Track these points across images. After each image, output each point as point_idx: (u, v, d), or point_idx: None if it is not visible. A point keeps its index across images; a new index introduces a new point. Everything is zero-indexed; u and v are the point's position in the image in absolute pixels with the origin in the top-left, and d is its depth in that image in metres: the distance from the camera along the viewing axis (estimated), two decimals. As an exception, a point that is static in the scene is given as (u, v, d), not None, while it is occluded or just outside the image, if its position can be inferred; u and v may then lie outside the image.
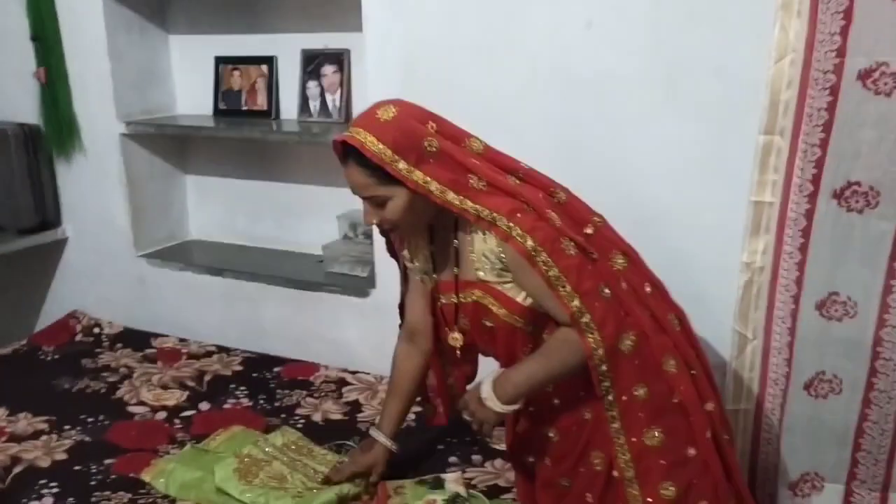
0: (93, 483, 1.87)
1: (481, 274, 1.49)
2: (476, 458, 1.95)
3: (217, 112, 2.78)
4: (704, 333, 1.63)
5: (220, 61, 2.75)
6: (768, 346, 1.91)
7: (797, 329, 1.85)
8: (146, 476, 1.88)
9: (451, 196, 1.43)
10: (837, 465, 1.91)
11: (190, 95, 2.86)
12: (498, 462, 1.93)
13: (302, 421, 2.17)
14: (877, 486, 1.89)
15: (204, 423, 2.17)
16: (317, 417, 2.19)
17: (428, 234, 1.60)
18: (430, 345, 1.72)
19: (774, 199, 1.81)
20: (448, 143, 1.46)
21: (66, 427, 2.14)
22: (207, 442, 2.01)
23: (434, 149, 1.44)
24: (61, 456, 2.00)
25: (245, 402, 2.29)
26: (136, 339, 2.73)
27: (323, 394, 2.32)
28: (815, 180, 1.75)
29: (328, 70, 2.57)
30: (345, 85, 2.56)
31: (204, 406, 2.27)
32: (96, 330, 2.80)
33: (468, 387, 1.64)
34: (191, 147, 2.92)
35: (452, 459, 1.95)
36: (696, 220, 1.93)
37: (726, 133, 1.89)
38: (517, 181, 1.50)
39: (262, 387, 2.38)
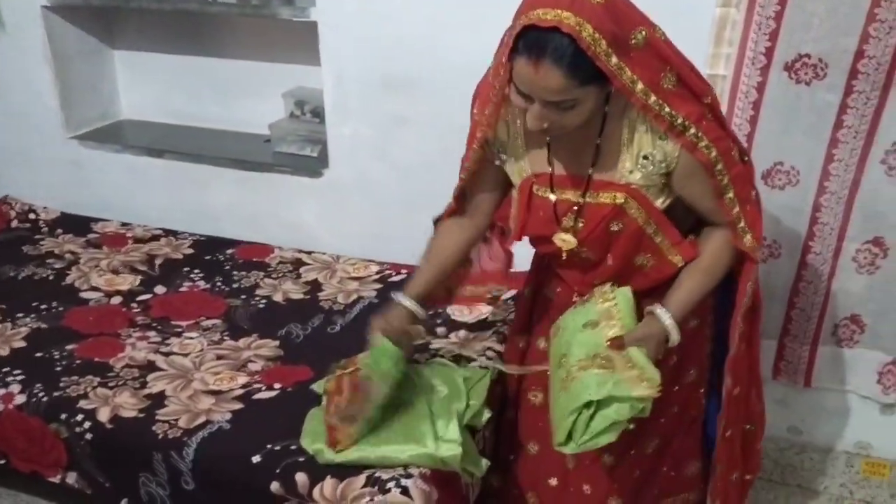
0: (58, 369, 1.87)
1: (634, 176, 1.39)
2: (440, 329, 2.02)
3: (145, -18, 2.60)
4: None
5: (146, -75, 2.55)
6: (714, 216, 2.00)
7: (743, 198, 1.95)
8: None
9: (652, 100, 1.28)
10: (773, 322, 2.06)
11: (114, -37, 2.66)
12: (462, 332, 2.00)
13: (263, 301, 2.18)
14: (807, 341, 2.06)
15: (162, 306, 2.17)
16: (277, 297, 2.21)
17: None
18: (485, 224, 1.64)
19: (727, 73, 1.86)
20: (650, 30, 1.29)
21: (20, 315, 2.10)
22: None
23: (639, 40, 1.26)
24: (20, 344, 1.97)
25: (202, 284, 2.29)
26: (75, 225, 2.65)
27: (281, 274, 2.33)
28: (768, 53, 1.80)
29: (266, -65, 2.43)
30: (287, -50, 2.42)
31: (160, 290, 2.26)
32: (32, 216, 2.70)
33: (626, 336, 1.43)
34: (119, 20, 2.75)
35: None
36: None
37: (682, 4, 1.89)
38: (696, 77, 1.38)
39: (217, 269, 2.37)
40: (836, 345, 2.04)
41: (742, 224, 1.41)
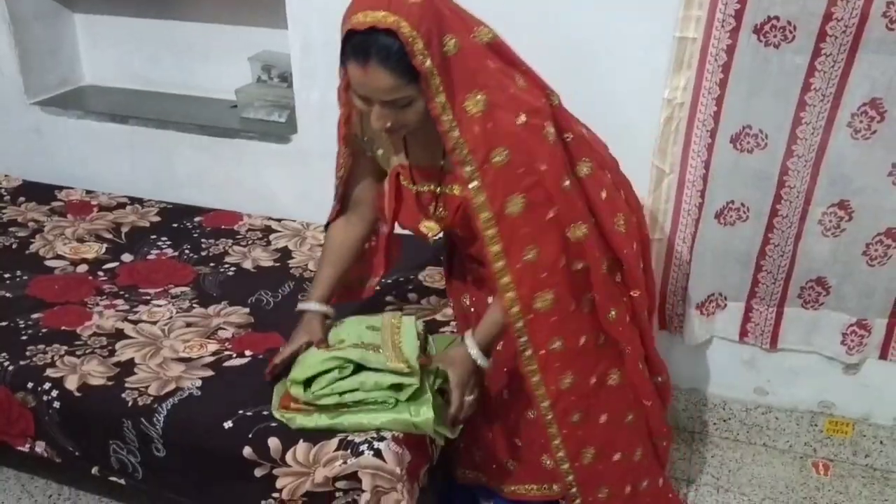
0: (24, 338, 1.83)
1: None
2: (412, 295, 2.02)
3: (105, -58, 2.53)
4: (627, 168, 1.69)
5: None
6: (683, 180, 2.02)
7: (712, 162, 1.96)
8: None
9: (446, 117, 1.31)
10: (740, 285, 2.09)
11: (72, -78, 2.59)
12: (433, 298, 2.00)
13: (233, 269, 2.16)
14: (773, 303, 2.09)
15: (129, 274, 2.13)
16: (247, 265, 2.19)
17: None
18: (373, 216, 1.69)
19: (697, 35, 1.86)
20: (465, 38, 1.31)
21: (-18, 284, 2.06)
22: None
23: (450, 48, 1.28)
24: (-17, 312, 1.94)
25: (169, 252, 2.25)
26: (39, 192, 2.59)
27: (250, 241, 2.31)
28: (738, 15, 1.80)
29: None
30: (250, -89, 2.37)
31: (126, 258, 2.22)
32: (-8, 184, 2.64)
33: (435, 357, 1.61)
34: (78, -18, 2.68)
35: (389, 299, 2.01)
36: (622, 55, 1.95)
37: (653, -32, 1.89)
38: (522, 84, 1.40)
39: (186, 236, 2.34)
40: (801, 306, 2.08)
41: (505, 279, 1.41)
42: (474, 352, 1.54)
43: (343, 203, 1.71)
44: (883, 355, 2.08)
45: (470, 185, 1.36)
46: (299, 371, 1.56)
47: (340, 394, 1.52)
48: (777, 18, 1.79)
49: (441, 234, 1.63)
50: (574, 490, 1.68)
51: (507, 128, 1.35)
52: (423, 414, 1.51)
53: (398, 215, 1.61)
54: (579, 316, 1.52)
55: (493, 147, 1.34)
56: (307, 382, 1.55)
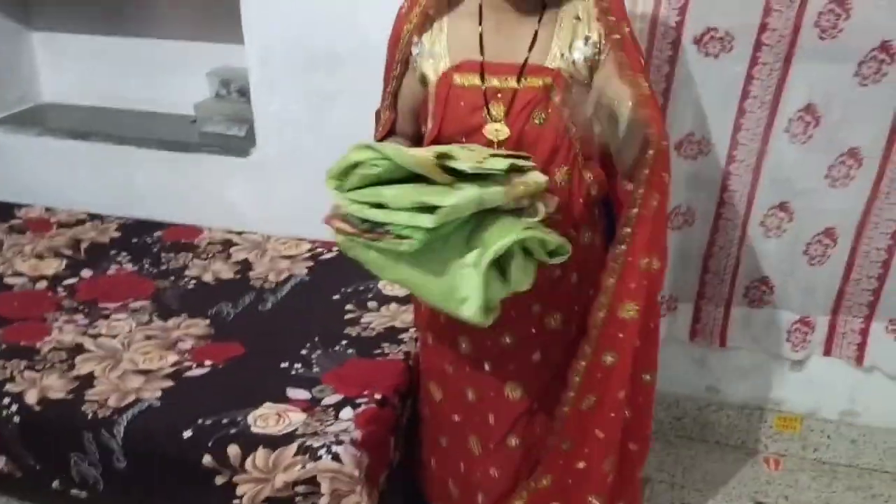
0: (-18, 354, 1.84)
1: (564, 62, 1.38)
2: (372, 304, 2.06)
3: (61, -39, 2.55)
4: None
5: None
6: (633, 186, 2.08)
7: (658, 168, 2.03)
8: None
9: None
10: (689, 286, 2.16)
11: (28, -59, 2.60)
12: (393, 306, 2.04)
13: (193, 282, 2.18)
14: (721, 303, 2.16)
15: (89, 289, 2.15)
16: (207, 278, 2.21)
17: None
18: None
19: (641, 47, 1.93)
20: None
21: (-61, 302, 2.06)
22: None
23: None
24: (-60, 331, 1.94)
25: (129, 266, 2.27)
26: (-3, 211, 2.60)
27: (210, 255, 2.33)
28: (678, 27, 1.87)
29: (185, -87, 2.41)
30: (206, -71, 2.40)
31: (86, 273, 2.23)
32: (-50, 203, 2.64)
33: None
34: (35, 1, 2.68)
35: (349, 307, 2.04)
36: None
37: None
38: None
39: (145, 251, 2.35)
40: (748, 306, 2.15)
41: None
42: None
43: (391, 125, 1.57)
44: (827, 351, 2.16)
45: (614, 36, 1.35)
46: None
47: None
48: (716, 29, 1.86)
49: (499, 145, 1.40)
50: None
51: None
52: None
53: (447, 119, 1.43)
54: None
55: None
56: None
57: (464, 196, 1.20)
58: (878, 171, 1.93)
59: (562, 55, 1.39)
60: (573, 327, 1.56)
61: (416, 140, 1.55)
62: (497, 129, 1.40)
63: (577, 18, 1.40)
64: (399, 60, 1.49)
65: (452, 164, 1.23)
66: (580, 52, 1.39)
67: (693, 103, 1.94)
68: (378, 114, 1.62)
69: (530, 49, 1.39)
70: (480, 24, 1.41)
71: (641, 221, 1.38)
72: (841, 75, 1.86)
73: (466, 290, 1.24)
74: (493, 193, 1.24)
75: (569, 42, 1.39)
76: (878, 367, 2.14)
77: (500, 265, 1.25)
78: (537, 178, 1.31)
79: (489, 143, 1.40)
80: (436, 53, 1.44)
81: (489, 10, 1.41)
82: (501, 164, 1.26)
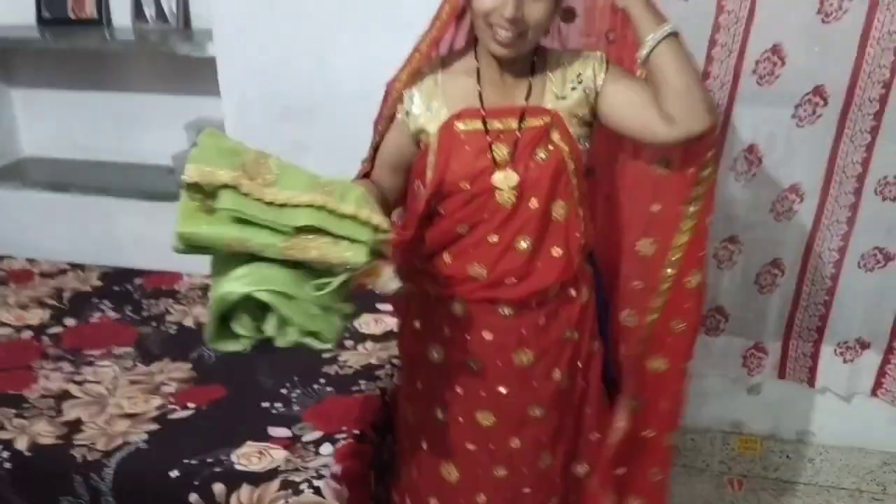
0: (-29, 403, 1.90)
1: (560, 103, 1.44)
2: (348, 342, 2.15)
3: (41, 21, 2.64)
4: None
5: (40, -33, 2.60)
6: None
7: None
8: None
9: None
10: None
11: (8, 2, 2.69)
12: (369, 344, 2.13)
13: (175, 327, 2.26)
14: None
15: (73, 337, 2.21)
16: (188, 322, 2.29)
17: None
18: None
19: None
20: None
21: (-75, 355, 2.12)
22: None
23: None
24: (-73, 382, 1.99)
25: (112, 314, 2.34)
26: (-21, 263, 2.66)
27: (191, 300, 2.41)
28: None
29: (161, -25, 2.52)
30: (180, -10, 2.52)
31: (70, 322, 2.30)
32: (-68, 256, 2.69)
33: None
34: (15, 59, 2.77)
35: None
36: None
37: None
38: None
39: (127, 299, 2.42)
40: (706, 334, 2.27)
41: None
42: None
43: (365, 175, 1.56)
44: (781, 375, 2.28)
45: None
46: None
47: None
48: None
49: (509, 194, 1.43)
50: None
51: None
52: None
53: (452, 165, 1.43)
54: None
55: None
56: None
57: (217, 231, 1.15)
58: (818, 204, 2.08)
59: (557, 97, 1.45)
60: (578, 381, 1.61)
61: (399, 193, 1.56)
62: (506, 176, 1.43)
63: (567, 64, 1.46)
64: (385, 116, 1.52)
65: (243, 209, 1.14)
66: (575, 91, 1.44)
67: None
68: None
69: (527, 98, 1.45)
70: (478, 82, 1.45)
71: (710, 183, 1.53)
72: (779, 117, 2.01)
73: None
74: (265, 243, 1.15)
75: (562, 84, 1.45)
76: (830, 389, 2.27)
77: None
78: (344, 254, 1.17)
79: (497, 190, 1.43)
80: (433, 108, 1.46)
81: (485, 68, 1.45)
82: (302, 219, 1.16)
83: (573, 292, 1.55)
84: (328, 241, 1.18)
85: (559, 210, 1.47)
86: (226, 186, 1.16)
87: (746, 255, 2.15)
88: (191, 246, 1.18)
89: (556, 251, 1.48)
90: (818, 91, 1.97)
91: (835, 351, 2.22)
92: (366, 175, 1.57)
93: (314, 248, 1.17)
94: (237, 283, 1.17)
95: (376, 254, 1.21)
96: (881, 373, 2.21)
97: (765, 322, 2.22)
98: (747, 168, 2.07)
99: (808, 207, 2.09)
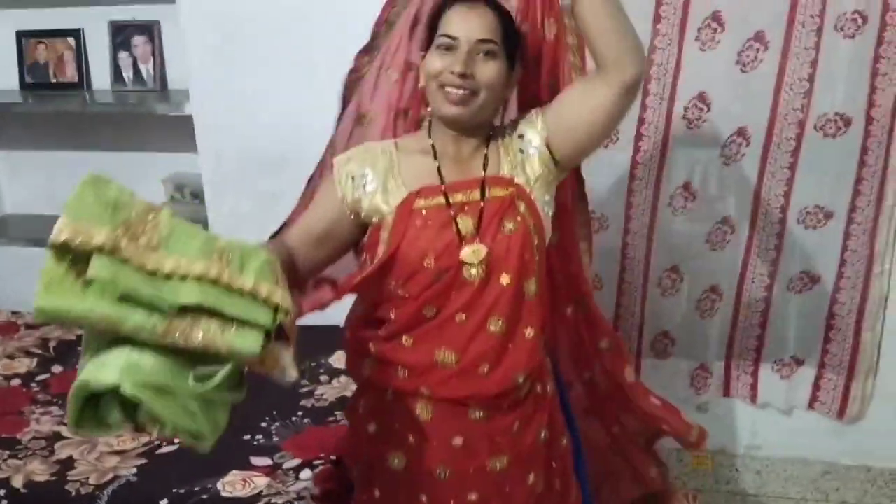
0: (-34, 448, 2.01)
1: (519, 177, 1.41)
2: (324, 377, 2.28)
3: (24, 86, 2.80)
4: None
5: (23, 35, 2.77)
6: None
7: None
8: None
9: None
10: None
11: (-8, 70, 2.85)
12: (343, 378, 2.28)
13: (158, 369, 2.38)
14: (633, 357, 2.45)
15: (61, 383, 2.32)
16: (171, 364, 2.41)
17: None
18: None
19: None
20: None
21: (-82, 406, 2.21)
22: None
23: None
24: (-77, 431, 2.09)
25: (97, 360, 2.45)
26: (-35, 317, 2.76)
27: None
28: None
29: (139, 41, 2.69)
30: (157, 55, 2.70)
31: (56, 369, 2.41)
32: (-82, 312, 2.79)
33: None
34: (-1, 122, 2.93)
35: (303, 381, 2.27)
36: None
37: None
38: None
39: (111, 345, 2.54)
40: (655, 357, 2.45)
41: None
42: None
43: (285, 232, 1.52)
44: (725, 393, 2.46)
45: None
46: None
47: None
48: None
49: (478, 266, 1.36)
50: None
51: None
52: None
53: (412, 242, 1.36)
54: None
55: None
56: None
57: (85, 308, 1.00)
58: (748, 234, 2.28)
59: (514, 167, 1.42)
60: (556, 482, 1.55)
61: (316, 267, 1.50)
62: (475, 251, 1.35)
63: (512, 132, 1.45)
64: (324, 186, 1.50)
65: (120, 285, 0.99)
66: (530, 153, 1.42)
67: (588, 187, 2.26)
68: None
69: (485, 169, 1.41)
70: (435, 158, 1.42)
71: None
72: (709, 157, 2.22)
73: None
74: (140, 326, 1.00)
75: (516, 153, 1.42)
76: (770, 404, 2.45)
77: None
78: (234, 342, 1.04)
79: (465, 266, 1.35)
80: (390, 188, 1.40)
81: (441, 145, 1.43)
82: (188, 296, 1.02)
83: (539, 388, 1.48)
84: (217, 325, 1.04)
85: (531, 287, 1.40)
86: (101, 249, 1.00)
87: (688, 284, 2.35)
88: (55, 320, 1.02)
89: (529, 332, 1.41)
90: (741, 132, 2.19)
91: (772, 368, 2.41)
92: (284, 228, 1.52)
93: (199, 333, 1.02)
94: (104, 370, 1.00)
95: (276, 336, 1.07)
96: (816, 387, 2.40)
97: (708, 344, 2.40)
98: (684, 203, 2.27)
99: (740, 238, 2.29)
